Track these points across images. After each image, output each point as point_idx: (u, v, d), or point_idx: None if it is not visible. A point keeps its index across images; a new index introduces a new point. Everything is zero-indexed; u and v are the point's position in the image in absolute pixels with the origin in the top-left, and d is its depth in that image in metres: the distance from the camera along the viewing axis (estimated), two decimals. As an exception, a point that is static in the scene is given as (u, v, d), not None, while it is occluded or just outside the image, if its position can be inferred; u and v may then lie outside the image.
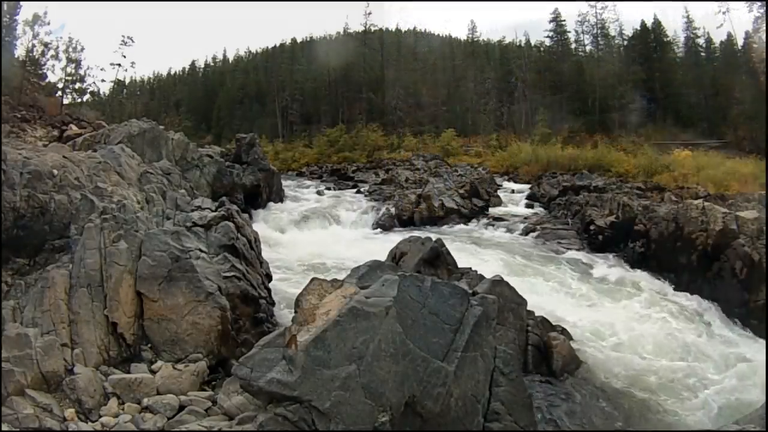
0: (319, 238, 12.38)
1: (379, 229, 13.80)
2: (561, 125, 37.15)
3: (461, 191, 15.59)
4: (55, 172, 6.87)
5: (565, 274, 9.27)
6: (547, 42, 41.84)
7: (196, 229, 6.99)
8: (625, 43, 38.93)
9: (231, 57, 69.79)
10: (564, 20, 40.65)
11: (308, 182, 24.66)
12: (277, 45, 64.32)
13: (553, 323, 6.27)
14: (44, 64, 22.09)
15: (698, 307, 7.73)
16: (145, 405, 4.50)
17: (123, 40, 31.91)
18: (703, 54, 37.72)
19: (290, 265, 9.74)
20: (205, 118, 53.67)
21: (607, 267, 9.70)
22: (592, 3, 38.74)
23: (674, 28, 42.66)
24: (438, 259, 6.89)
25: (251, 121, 45.31)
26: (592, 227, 11.37)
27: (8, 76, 16.83)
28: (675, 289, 8.44)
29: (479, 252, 10.65)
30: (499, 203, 16.87)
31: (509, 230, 13.15)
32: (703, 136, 30.58)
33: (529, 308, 5.96)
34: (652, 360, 5.95)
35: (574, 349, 5.87)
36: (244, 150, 16.54)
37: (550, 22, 40.74)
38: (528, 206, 16.84)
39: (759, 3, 26.49)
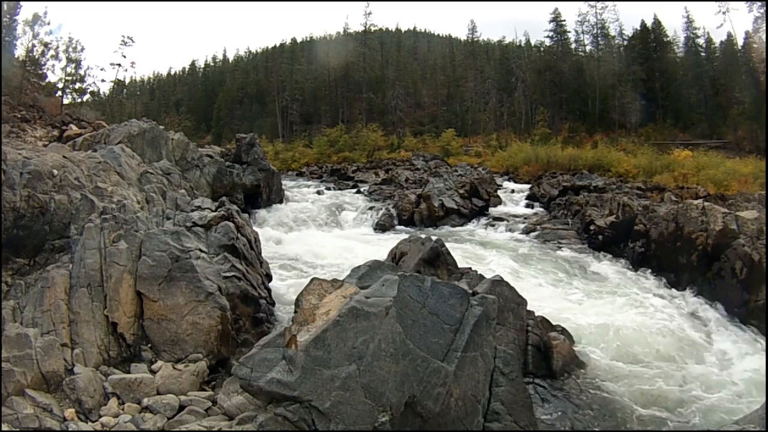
0: (319, 238, 12.38)
1: (379, 229, 13.81)
2: (561, 125, 37.22)
3: (461, 191, 15.59)
4: (55, 172, 6.87)
5: (565, 273, 9.26)
6: (547, 42, 41.95)
7: (196, 229, 7.00)
8: (625, 43, 38.95)
9: (231, 57, 70.15)
10: (564, 20, 40.71)
11: (308, 182, 24.67)
12: (277, 45, 64.61)
13: (553, 323, 6.27)
14: (44, 64, 22.14)
15: (698, 307, 7.72)
16: (145, 405, 4.50)
17: (123, 40, 32.09)
18: (703, 54, 37.72)
19: (290, 265, 9.75)
20: (205, 118, 53.78)
21: (607, 267, 9.70)
22: (592, 3, 38.81)
23: (674, 27, 42.76)
24: (438, 259, 6.89)
25: (251, 121, 45.41)
26: (592, 227, 11.37)
27: (8, 76, 16.83)
28: (675, 289, 8.43)
29: (479, 252, 10.65)
30: (499, 203, 16.87)
31: (509, 230, 13.15)
32: (703, 136, 30.61)
33: (529, 308, 5.96)
34: (652, 360, 5.95)
35: (574, 350, 5.87)
36: (244, 150, 16.55)
37: (550, 22, 40.83)
38: (528, 206, 16.83)
39: (759, 3, 26.51)
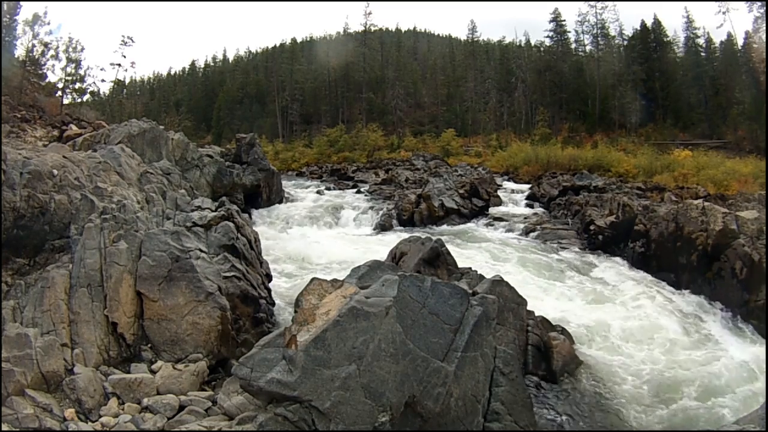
0: (319, 238, 12.38)
1: (379, 229, 13.80)
2: (561, 125, 37.22)
3: (461, 191, 15.59)
4: (55, 172, 6.87)
5: (565, 274, 9.26)
6: (547, 42, 41.91)
7: (196, 229, 6.99)
8: (625, 43, 38.94)
9: (231, 57, 70.10)
10: (564, 20, 40.70)
11: (308, 182, 24.67)
12: (277, 45, 64.59)
13: (553, 323, 6.27)
14: (44, 64, 22.13)
15: (698, 307, 7.73)
16: (145, 405, 4.50)
17: (123, 40, 32.09)
18: (703, 54, 37.71)
19: (290, 265, 9.75)
20: (205, 118, 53.74)
21: (607, 267, 9.69)
22: (592, 3, 38.80)
23: (674, 27, 42.76)
24: (438, 259, 6.89)
25: (251, 121, 45.38)
26: (592, 227, 11.37)
27: (8, 76, 16.83)
28: (675, 289, 8.43)
29: (479, 252, 10.65)
30: (499, 203, 16.87)
31: (509, 230, 13.15)
32: (703, 136, 30.62)
33: (529, 308, 5.96)
34: (651, 360, 5.95)
35: (574, 349, 5.88)
36: (244, 150, 16.55)
37: (550, 22, 40.81)
38: (528, 206, 16.84)
39: (759, 3, 26.52)
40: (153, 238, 5.92)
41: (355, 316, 3.66)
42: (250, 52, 70.19)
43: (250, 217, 12.82)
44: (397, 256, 7.21)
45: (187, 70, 70.67)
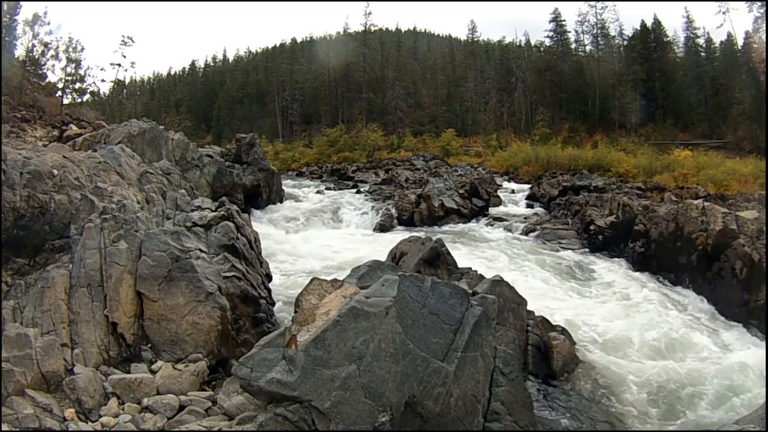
0: (319, 238, 12.38)
1: (379, 229, 13.80)
2: (561, 125, 37.24)
3: (461, 191, 15.59)
4: (55, 172, 6.86)
5: (565, 274, 9.26)
6: (547, 42, 41.96)
7: (196, 229, 6.99)
8: (625, 43, 38.96)
9: (231, 57, 70.24)
10: (564, 20, 40.74)
11: (308, 182, 24.68)
12: (277, 45, 64.70)
13: (553, 323, 6.27)
14: (44, 64, 22.15)
15: (698, 307, 7.73)
16: (145, 405, 4.50)
17: (123, 40, 32.11)
18: (703, 54, 37.73)
19: (290, 265, 9.75)
20: (205, 118, 53.77)
21: (606, 267, 9.69)
22: (592, 3, 38.83)
23: (674, 27, 42.79)
24: (438, 259, 6.89)
25: (251, 121, 45.43)
26: (592, 227, 11.37)
27: (8, 76, 16.83)
28: (675, 289, 8.43)
29: (479, 252, 10.65)
30: (499, 203, 16.87)
31: (509, 230, 13.15)
32: (703, 136, 30.63)
33: (529, 308, 5.96)
34: (651, 360, 5.94)
35: (574, 349, 5.87)
36: (244, 150, 16.55)
37: (550, 22, 40.85)
38: (528, 206, 16.85)
39: (759, 3, 26.53)
40: (153, 238, 5.91)
41: (355, 316, 3.65)
42: (250, 52, 70.34)
43: (250, 217, 12.83)
44: (397, 256, 7.22)
45: (187, 70, 70.75)
